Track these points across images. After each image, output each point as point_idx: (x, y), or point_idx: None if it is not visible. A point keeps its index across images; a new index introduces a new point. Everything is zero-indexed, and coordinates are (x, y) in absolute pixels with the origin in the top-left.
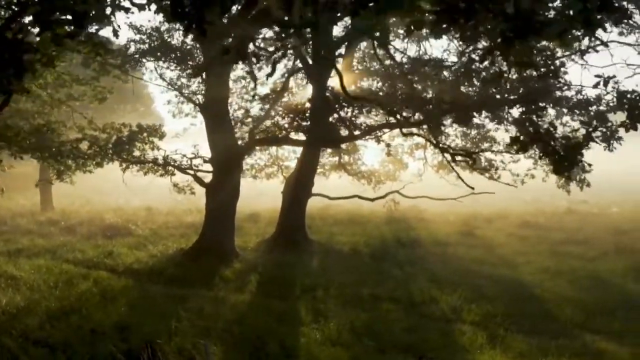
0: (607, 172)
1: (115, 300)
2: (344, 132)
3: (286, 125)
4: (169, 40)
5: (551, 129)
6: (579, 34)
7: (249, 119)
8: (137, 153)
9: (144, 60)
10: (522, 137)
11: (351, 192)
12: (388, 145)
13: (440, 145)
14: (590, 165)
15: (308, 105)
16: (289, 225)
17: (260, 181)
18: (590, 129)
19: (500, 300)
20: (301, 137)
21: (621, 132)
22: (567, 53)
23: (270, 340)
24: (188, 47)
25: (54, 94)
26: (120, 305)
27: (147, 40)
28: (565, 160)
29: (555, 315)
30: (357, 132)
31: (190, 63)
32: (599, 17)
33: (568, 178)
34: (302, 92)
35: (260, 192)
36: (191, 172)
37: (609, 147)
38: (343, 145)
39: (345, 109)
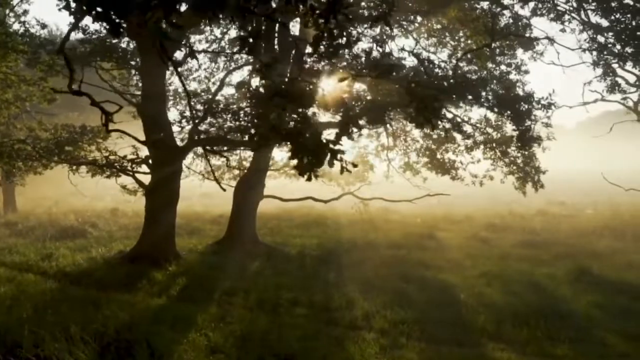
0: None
1: (22, 305)
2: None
3: (223, 125)
4: (109, 41)
5: (299, 125)
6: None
7: (183, 120)
8: (81, 153)
9: (90, 61)
10: (258, 132)
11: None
12: None
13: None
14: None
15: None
16: (238, 227)
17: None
18: (346, 127)
19: (418, 306)
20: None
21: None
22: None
23: (141, 348)
24: (129, 48)
25: (2, 95)
26: (23, 310)
27: (90, 40)
28: (313, 159)
29: (469, 322)
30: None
31: (132, 63)
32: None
33: (309, 179)
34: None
35: None
36: (130, 173)
37: (524, 148)
38: None
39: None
